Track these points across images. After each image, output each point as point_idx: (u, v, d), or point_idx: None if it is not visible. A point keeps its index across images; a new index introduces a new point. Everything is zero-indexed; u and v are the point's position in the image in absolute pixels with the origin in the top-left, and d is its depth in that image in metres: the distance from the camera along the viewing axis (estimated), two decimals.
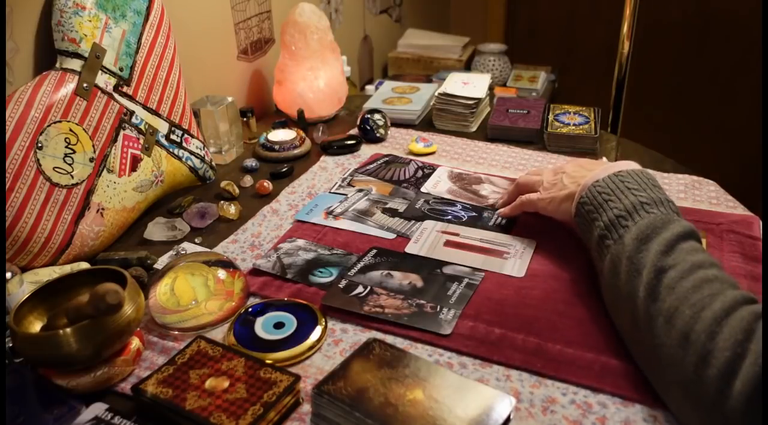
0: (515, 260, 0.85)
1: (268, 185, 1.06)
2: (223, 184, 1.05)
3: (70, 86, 0.86)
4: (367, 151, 1.21)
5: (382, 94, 1.41)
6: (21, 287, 0.75)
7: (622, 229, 0.71)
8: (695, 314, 0.58)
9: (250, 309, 0.76)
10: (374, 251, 0.88)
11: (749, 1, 2.23)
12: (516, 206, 0.91)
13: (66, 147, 0.85)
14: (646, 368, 0.65)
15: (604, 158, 1.08)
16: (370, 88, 1.75)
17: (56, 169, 0.84)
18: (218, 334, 0.75)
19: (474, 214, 0.97)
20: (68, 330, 0.63)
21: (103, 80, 0.91)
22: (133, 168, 0.95)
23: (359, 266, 0.84)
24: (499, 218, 0.95)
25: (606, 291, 0.72)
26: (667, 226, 0.68)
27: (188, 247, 0.92)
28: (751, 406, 0.51)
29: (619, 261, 0.69)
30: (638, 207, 0.71)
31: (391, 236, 0.92)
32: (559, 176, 0.87)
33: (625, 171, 0.77)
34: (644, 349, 0.64)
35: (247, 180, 1.10)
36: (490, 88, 1.50)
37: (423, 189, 1.05)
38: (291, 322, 0.74)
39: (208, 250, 0.90)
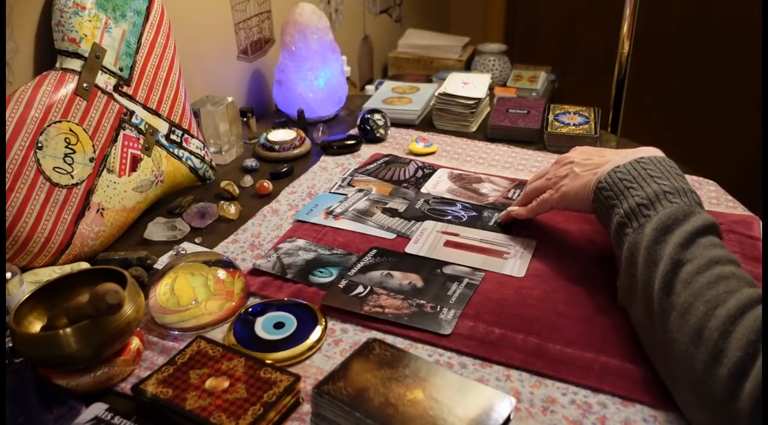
0: (515, 260, 0.85)
1: (268, 185, 1.06)
2: (223, 184, 1.05)
3: (70, 86, 0.86)
4: (367, 151, 1.21)
5: (382, 94, 1.41)
6: (21, 287, 0.75)
7: (644, 218, 0.69)
8: (709, 311, 0.57)
9: (250, 309, 0.76)
10: (374, 251, 0.88)
11: (748, 3, 2.23)
12: (532, 208, 0.88)
13: (66, 147, 0.85)
14: (656, 361, 0.64)
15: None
16: (370, 88, 1.75)
17: (56, 169, 0.84)
18: (218, 334, 0.75)
19: (474, 214, 0.97)
20: (68, 330, 0.63)
21: (103, 80, 0.91)
22: (133, 168, 0.95)
23: (359, 266, 0.84)
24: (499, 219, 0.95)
25: (623, 279, 0.71)
26: (688, 218, 0.66)
27: (188, 247, 0.92)
28: (760, 408, 0.51)
29: (637, 251, 0.68)
30: (661, 196, 0.69)
31: (391, 236, 0.92)
32: (567, 166, 0.84)
33: (647, 158, 0.75)
34: (656, 342, 0.64)
35: (247, 180, 1.10)
36: (490, 88, 1.50)
37: (423, 189, 1.05)
38: (291, 322, 0.74)
39: (208, 250, 0.90)
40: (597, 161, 0.81)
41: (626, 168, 0.74)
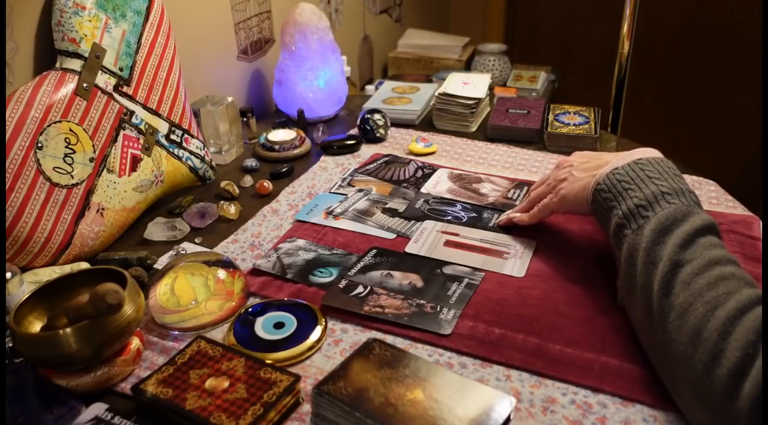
0: (515, 260, 0.85)
1: (268, 185, 1.06)
2: (223, 184, 1.05)
3: (70, 86, 0.86)
4: (367, 151, 1.21)
5: (382, 94, 1.41)
6: (21, 287, 0.75)
7: (642, 219, 0.69)
8: (708, 312, 0.57)
9: (250, 309, 0.76)
10: (374, 251, 0.88)
11: (748, 3, 2.23)
12: (533, 214, 0.88)
13: (66, 147, 0.85)
14: (655, 362, 0.64)
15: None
16: (370, 88, 1.75)
17: (56, 169, 0.84)
18: (218, 334, 0.75)
19: (474, 214, 0.97)
20: (68, 330, 0.63)
21: (103, 80, 0.91)
22: (133, 168, 0.95)
23: (359, 266, 0.84)
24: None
25: (622, 280, 0.71)
26: (687, 218, 0.66)
27: (188, 247, 0.92)
28: (759, 408, 0.51)
29: (636, 252, 0.68)
30: (659, 197, 0.69)
31: (391, 236, 0.92)
32: (566, 169, 0.85)
33: (645, 159, 0.75)
34: (655, 343, 0.64)
35: (247, 180, 1.10)
36: (490, 88, 1.50)
37: (423, 189, 1.05)
38: (291, 322, 0.74)
39: (208, 250, 0.90)
40: (595, 164, 0.81)
41: (624, 170, 0.75)
